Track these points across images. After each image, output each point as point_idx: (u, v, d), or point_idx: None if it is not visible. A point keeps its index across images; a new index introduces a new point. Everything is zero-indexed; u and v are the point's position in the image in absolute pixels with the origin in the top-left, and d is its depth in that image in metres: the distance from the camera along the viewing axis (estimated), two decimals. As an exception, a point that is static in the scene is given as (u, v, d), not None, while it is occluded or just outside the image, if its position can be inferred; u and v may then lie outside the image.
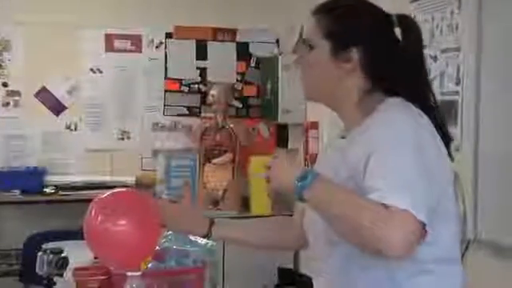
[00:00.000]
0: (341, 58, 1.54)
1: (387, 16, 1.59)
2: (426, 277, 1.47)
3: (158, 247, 1.88)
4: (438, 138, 1.51)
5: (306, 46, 1.57)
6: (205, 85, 5.15)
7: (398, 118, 1.46)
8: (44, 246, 2.40)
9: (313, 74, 1.58)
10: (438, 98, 2.97)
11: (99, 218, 1.62)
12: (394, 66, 1.55)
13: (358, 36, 1.54)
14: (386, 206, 1.32)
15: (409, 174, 1.37)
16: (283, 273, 4.36)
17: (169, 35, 5.13)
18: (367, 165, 1.41)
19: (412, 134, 1.43)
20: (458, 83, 2.91)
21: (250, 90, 5.27)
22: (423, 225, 1.34)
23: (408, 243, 1.32)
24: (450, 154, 1.55)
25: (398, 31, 1.59)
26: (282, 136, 5.01)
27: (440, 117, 1.58)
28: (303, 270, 4.31)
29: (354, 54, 1.53)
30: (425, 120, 1.50)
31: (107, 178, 4.63)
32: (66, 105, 4.94)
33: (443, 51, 3.00)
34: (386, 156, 1.40)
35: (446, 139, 1.55)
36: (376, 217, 1.32)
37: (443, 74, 3.00)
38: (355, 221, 1.35)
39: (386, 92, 1.56)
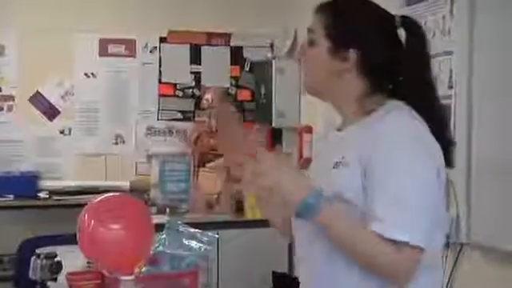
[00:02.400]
0: (338, 57, 1.57)
1: (391, 17, 1.61)
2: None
3: (151, 251, 1.88)
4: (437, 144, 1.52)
5: (308, 42, 1.61)
6: (199, 89, 5.16)
7: (404, 131, 1.48)
8: (38, 251, 2.40)
9: (312, 69, 1.62)
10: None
11: (93, 223, 1.63)
12: (395, 67, 1.57)
13: (356, 37, 1.56)
14: (389, 240, 1.38)
15: (413, 200, 1.41)
16: (277, 277, 4.36)
17: (163, 40, 5.13)
18: (372, 174, 1.44)
19: (420, 151, 1.46)
20: (450, 87, 2.92)
21: (244, 94, 5.27)
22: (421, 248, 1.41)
23: (410, 272, 1.42)
24: (449, 158, 1.55)
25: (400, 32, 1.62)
26: (276, 140, 5.02)
27: (444, 119, 1.63)
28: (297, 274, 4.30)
29: (352, 54, 1.56)
30: (424, 127, 1.51)
31: (101, 183, 4.61)
32: (60, 109, 4.94)
33: (436, 55, 3.01)
34: (391, 178, 1.43)
35: (447, 143, 1.56)
36: (379, 251, 1.39)
37: (436, 78, 3.00)
38: (359, 252, 1.43)
39: (390, 94, 1.58)
